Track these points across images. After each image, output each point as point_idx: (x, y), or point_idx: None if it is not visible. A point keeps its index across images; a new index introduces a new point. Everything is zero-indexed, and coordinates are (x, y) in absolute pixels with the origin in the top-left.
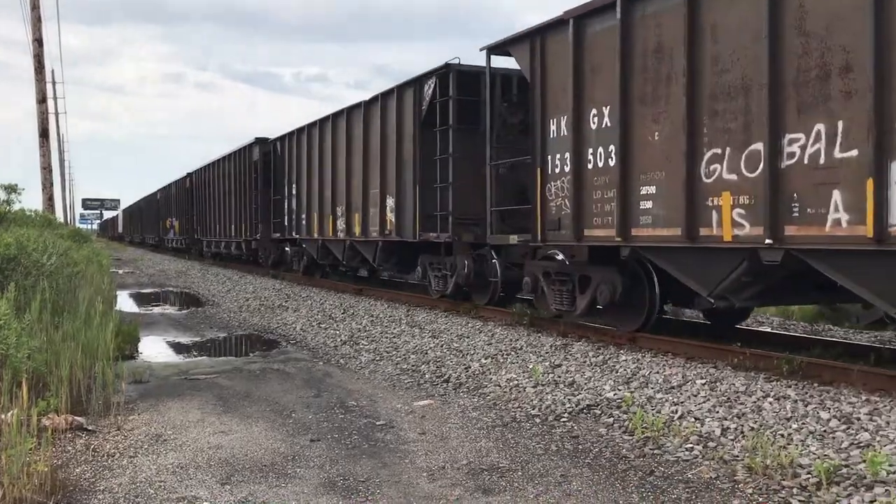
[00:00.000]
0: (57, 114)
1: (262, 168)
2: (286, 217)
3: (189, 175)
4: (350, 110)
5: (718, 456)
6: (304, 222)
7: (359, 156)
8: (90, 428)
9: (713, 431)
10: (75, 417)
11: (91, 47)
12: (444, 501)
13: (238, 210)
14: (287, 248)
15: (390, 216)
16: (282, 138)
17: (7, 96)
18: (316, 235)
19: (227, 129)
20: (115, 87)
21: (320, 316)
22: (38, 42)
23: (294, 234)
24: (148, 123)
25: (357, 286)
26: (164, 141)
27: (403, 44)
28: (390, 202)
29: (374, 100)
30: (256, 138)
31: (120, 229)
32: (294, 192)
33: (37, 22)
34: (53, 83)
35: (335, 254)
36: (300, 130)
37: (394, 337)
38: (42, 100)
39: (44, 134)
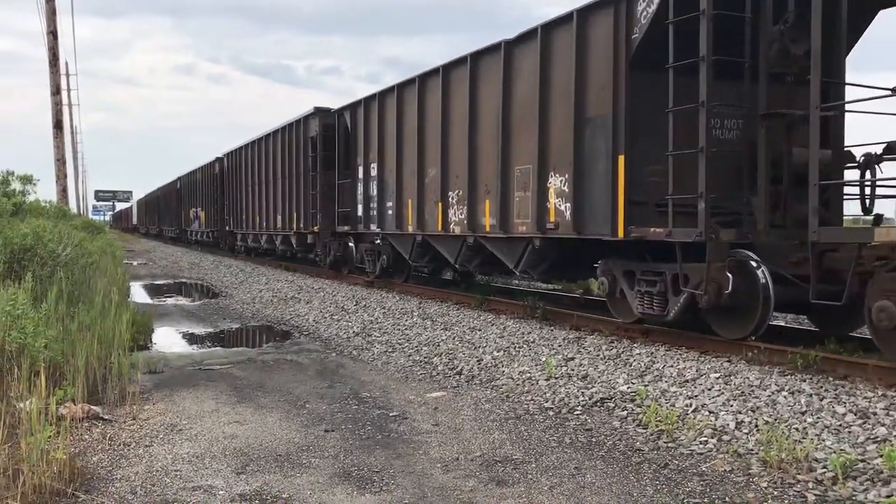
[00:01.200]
0: (70, 105)
1: (322, 145)
2: (360, 205)
3: (219, 159)
4: (477, 57)
5: (733, 449)
6: (389, 212)
7: (491, 120)
8: (106, 417)
9: (727, 425)
10: (92, 407)
11: (104, 39)
12: (458, 492)
13: (287, 197)
14: (351, 244)
15: (556, 203)
16: (353, 107)
17: (21, 88)
18: (412, 229)
19: (239, 121)
20: (128, 78)
21: (332, 308)
22: (53, 35)
23: (373, 226)
24: (160, 115)
25: (368, 279)
26: (176, 133)
27: (415, 37)
28: (557, 183)
29: (523, 38)
30: (315, 108)
31: (134, 220)
32: (374, 173)
33: (51, 15)
34: (67, 75)
35: (443, 253)
36: (385, 93)
37: (406, 329)
38: (56, 91)
39: (58, 125)
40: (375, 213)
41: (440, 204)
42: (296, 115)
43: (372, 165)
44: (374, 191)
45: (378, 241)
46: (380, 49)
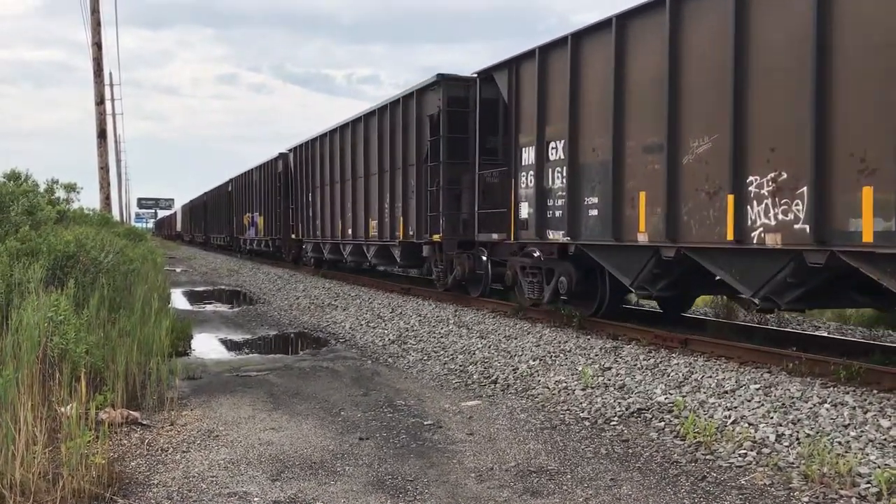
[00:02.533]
0: (114, 115)
1: (447, 126)
2: (525, 204)
3: (283, 155)
4: None
5: (773, 462)
6: (591, 212)
7: (873, 38)
8: (145, 422)
9: (767, 437)
10: (131, 412)
11: (147, 49)
12: (492, 503)
13: (388, 197)
14: (485, 258)
15: None
16: (514, 63)
17: (66, 98)
18: (644, 238)
19: (279, 130)
20: (170, 88)
21: (369, 315)
22: (98, 46)
23: (553, 233)
24: (202, 124)
25: (405, 286)
26: (218, 142)
27: (454, 45)
28: None
29: None
30: (438, 75)
31: (178, 228)
32: (558, 155)
33: (96, 26)
34: (111, 85)
35: (726, 278)
36: (584, 35)
37: (441, 337)
38: (100, 101)
39: (101, 134)
40: (562, 213)
41: (729, 197)
42: (405, 89)
43: (552, 145)
44: (554, 181)
45: (537, 253)
46: (418, 58)
